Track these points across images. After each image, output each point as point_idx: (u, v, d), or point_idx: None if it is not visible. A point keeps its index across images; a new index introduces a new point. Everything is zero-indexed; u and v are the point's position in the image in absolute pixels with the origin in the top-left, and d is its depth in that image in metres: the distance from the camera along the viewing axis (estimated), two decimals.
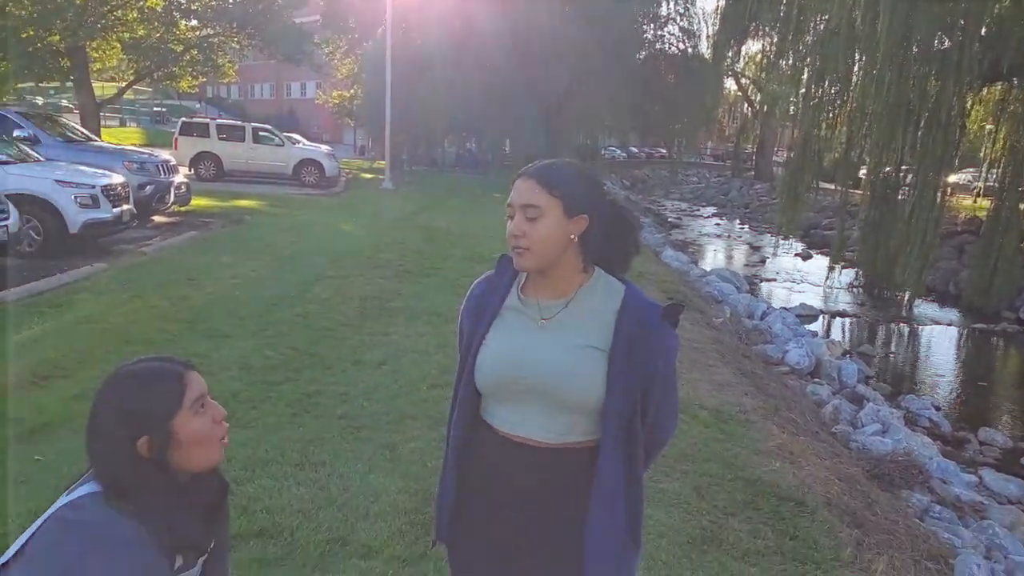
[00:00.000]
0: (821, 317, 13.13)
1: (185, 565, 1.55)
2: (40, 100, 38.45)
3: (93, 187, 9.96)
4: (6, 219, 8.08)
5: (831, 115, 15.17)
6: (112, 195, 10.29)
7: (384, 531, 3.57)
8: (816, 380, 8.27)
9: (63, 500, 1.50)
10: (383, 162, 25.99)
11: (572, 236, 1.74)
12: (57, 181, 9.71)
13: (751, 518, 4.00)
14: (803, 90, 15.16)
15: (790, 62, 15.99)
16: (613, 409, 1.71)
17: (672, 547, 3.62)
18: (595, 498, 1.73)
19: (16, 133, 11.91)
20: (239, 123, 25.22)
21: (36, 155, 10.98)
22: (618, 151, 55.16)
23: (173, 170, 14.12)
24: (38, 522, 1.49)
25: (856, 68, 14.15)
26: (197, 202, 15.59)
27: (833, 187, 17.70)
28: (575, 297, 1.78)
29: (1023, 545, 4.73)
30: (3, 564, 1.47)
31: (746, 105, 46.69)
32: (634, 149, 60.16)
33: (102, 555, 1.37)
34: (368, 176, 29.05)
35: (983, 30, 12.51)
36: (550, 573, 1.81)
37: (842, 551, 3.72)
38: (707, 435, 5.10)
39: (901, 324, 13.22)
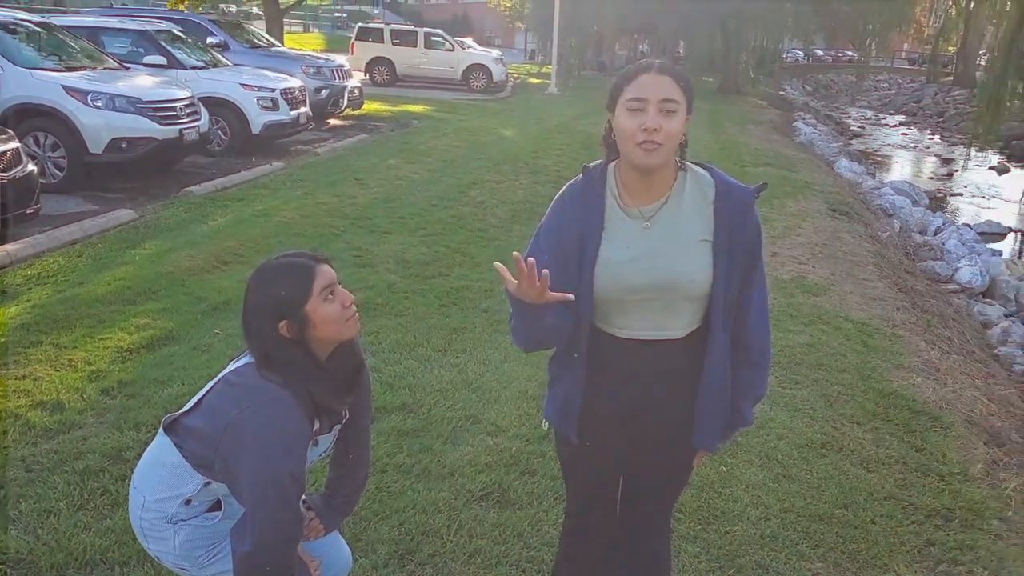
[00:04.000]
0: (1011, 235, 12.02)
1: (321, 429, 1.85)
2: (234, 8, 40.82)
3: (273, 91, 10.69)
4: (198, 120, 8.89)
5: None
6: (290, 98, 11.01)
7: (512, 412, 3.85)
8: (987, 300, 7.71)
9: (231, 367, 1.86)
10: (551, 67, 25.80)
11: (684, 133, 1.80)
12: (242, 85, 10.50)
13: (878, 428, 3.94)
14: None
15: None
16: (720, 291, 1.82)
17: (789, 448, 3.66)
18: (708, 368, 1.89)
19: (209, 40, 12.87)
20: (412, 28, 25.79)
21: (225, 61, 11.87)
22: (801, 54, 51.45)
23: (347, 75, 14.78)
24: (212, 382, 1.86)
25: None
26: (369, 106, 16.30)
27: None
28: (670, 195, 1.84)
29: None
30: (187, 411, 1.84)
31: (949, 2, 41.73)
32: (819, 52, 55.79)
33: (257, 412, 1.70)
34: (535, 81, 28.96)
35: None
36: (668, 437, 2.01)
37: (972, 467, 3.61)
38: (847, 346, 4.98)
39: None
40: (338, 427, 1.95)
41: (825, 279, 6.45)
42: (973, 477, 3.55)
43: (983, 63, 33.23)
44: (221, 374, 1.85)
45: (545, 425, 2.13)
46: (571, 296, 1.74)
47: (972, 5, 33.41)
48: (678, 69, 1.79)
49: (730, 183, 1.86)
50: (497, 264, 1.69)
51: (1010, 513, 3.32)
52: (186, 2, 19.65)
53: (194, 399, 1.86)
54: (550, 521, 2.99)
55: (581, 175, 1.91)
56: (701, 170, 1.88)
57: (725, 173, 1.89)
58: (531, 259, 1.65)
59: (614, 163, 1.89)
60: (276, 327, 1.73)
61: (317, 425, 1.82)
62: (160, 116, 8.22)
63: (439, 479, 3.24)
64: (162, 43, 10.62)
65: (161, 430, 1.86)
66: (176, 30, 11.39)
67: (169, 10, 17.85)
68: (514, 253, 1.66)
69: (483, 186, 9.34)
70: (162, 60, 10.30)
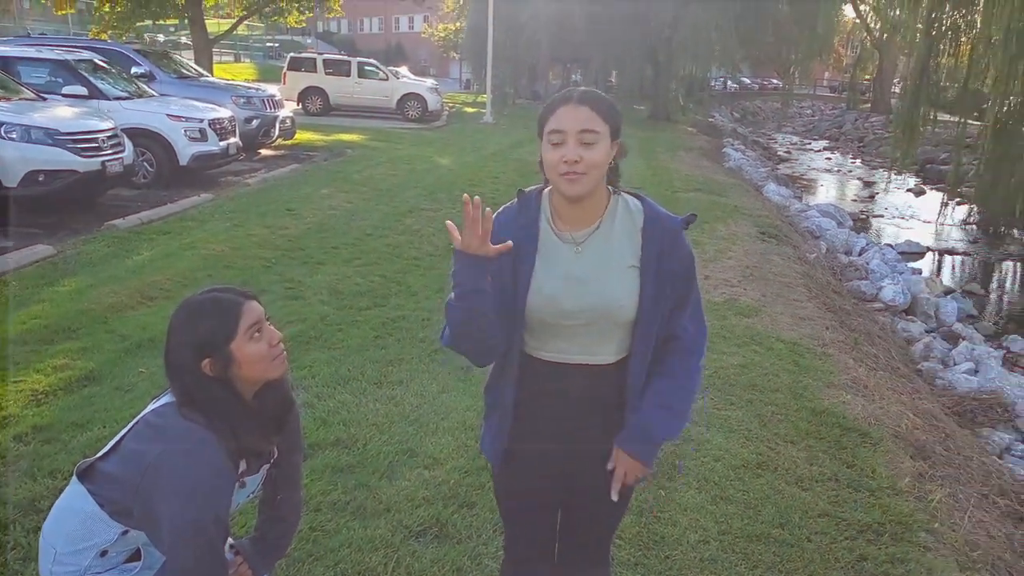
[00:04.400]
0: (929, 255, 12.53)
1: (248, 470, 1.78)
2: (161, 37, 40.16)
3: (201, 121, 10.48)
4: (122, 152, 8.65)
5: (952, 42, 14.11)
6: (219, 129, 10.81)
7: (450, 444, 3.79)
8: (910, 317, 8.00)
9: (151, 406, 1.77)
10: (486, 96, 26.00)
11: (612, 161, 1.82)
12: (169, 116, 10.27)
13: (811, 446, 4.01)
14: (921, 16, 14.10)
15: None
16: (643, 317, 1.84)
17: (725, 470, 3.70)
18: (628, 394, 1.91)
19: (134, 70, 12.58)
20: (345, 57, 25.73)
21: (151, 91, 11.61)
22: (729, 82, 53.12)
23: (279, 104, 14.62)
24: (131, 423, 1.77)
25: None
26: (302, 136, 16.14)
27: (952, 119, 16.54)
28: (602, 220, 1.86)
29: None
30: (103, 455, 1.75)
31: (865, 34, 43.80)
32: (746, 80, 57.71)
33: (178, 454, 1.62)
34: (471, 110, 29.15)
35: None
36: (600, 465, 1.97)
37: (900, 481, 3.70)
38: (779, 366, 5.07)
39: (1015, 262, 12.46)
40: (267, 467, 1.88)
41: (756, 300, 6.59)
42: (901, 491, 3.64)
43: (897, 91, 34.84)
44: (141, 414, 1.77)
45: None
46: (510, 244, 1.73)
47: (885, 37, 35.01)
48: (599, 97, 1.80)
49: (659, 211, 1.88)
50: (448, 223, 1.70)
51: (936, 525, 3.40)
52: (109, 31, 19.23)
53: (111, 442, 1.77)
54: (490, 554, 2.94)
55: (516, 199, 1.92)
56: (632, 198, 1.91)
57: (656, 203, 1.91)
58: (477, 198, 1.64)
59: (549, 188, 1.90)
60: (199, 365, 1.67)
61: (244, 466, 1.75)
62: (81, 148, 7.96)
63: (375, 516, 3.16)
64: (83, 73, 10.32)
65: (75, 477, 1.76)
66: (98, 60, 11.10)
67: (91, 40, 17.42)
68: (464, 195, 1.66)
69: (419, 214, 9.30)
70: (83, 90, 10.00)
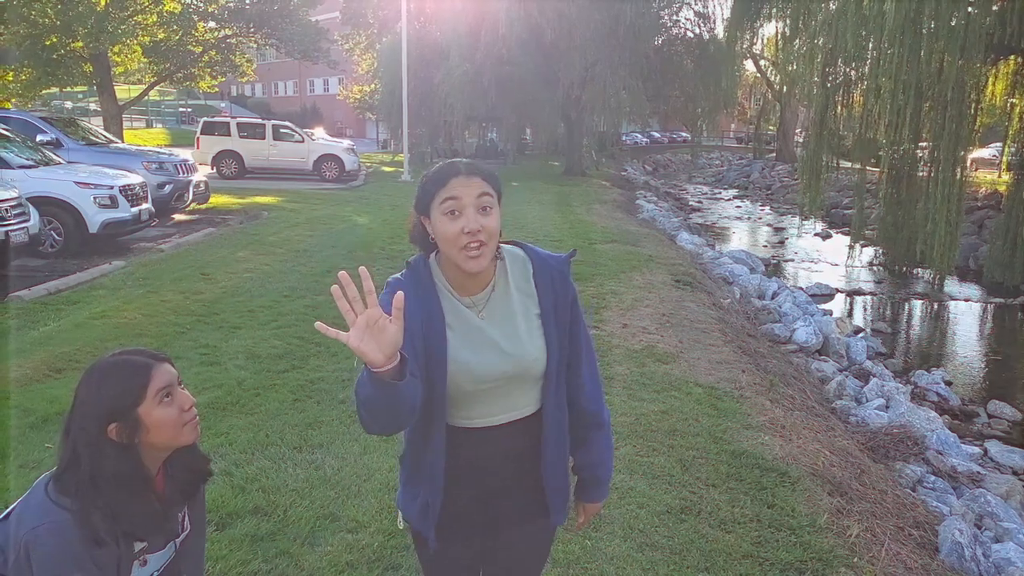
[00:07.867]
0: (838, 296, 13.08)
1: (151, 547, 1.71)
2: (69, 104, 39.15)
3: (111, 188, 10.23)
4: (27, 221, 8.35)
5: (846, 94, 15.01)
6: (130, 195, 10.55)
7: (373, 507, 3.71)
8: (823, 357, 8.28)
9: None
10: (403, 155, 26.20)
11: (501, 228, 1.82)
12: (76, 183, 10.00)
13: (732, 488, 4.07)
14: (817, 70, 14.98)
15: (803, 42, 15.85)
16: (553, 359, 1.85)
17: (650, 516, 3.72)
18: (544, 441, 1.91)
19: (39, 137, 12.25)
20: (259, 120, 25.59)
21: (58, 158, 11.28)
22: (640, 136, 54.91)
23: (192, 169, 14.41)
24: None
25: (869, 46, 13.96)
26: (217, 199, 15.90)
27: (853, 166, 17.46)
28: (495, 279, 1.87)
29: (1016, 513, 4.74)
30: (3, 518, 1.68)
31: (766, 87, 46.15)
32: (656, 134, 59.74)
33: (45, 536, 1.56)
34: (388, 169, 29.27)
35: (995, 5, 12.28)
36: (523, 516, 1.97)
37: (819, 518, 3.79)
38: (698, 411, 5.17)
39: (918, 301, 13.12)
40: (175, 542, 1.80)
41: (674, 347, 6.72)
42: (821, 528, 3.72)
43: (800, 140, 36.62)
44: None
45: (402, 524, 2.02)
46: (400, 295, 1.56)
47: (785, 90, 36.87)
48: (484, 167, 1.80)
49: (541, 255, 1.91)
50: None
51: (856, 559, 3.48)
52: (13, 100, 18.70)
53: (10, 507, 1.70)
54: None
55: (406, 269, 1.86)
56: (516, 249, 1.92)
57: (536, 246, 1.94)
58: (343, 273, 1.54)
59: (434, 256, 1.87)
60: (104, 430, 1.61)
61: (142, 544, 1.67)
62: None
63: None
64: None
65: None
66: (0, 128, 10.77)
67: None
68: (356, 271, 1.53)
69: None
70: None
